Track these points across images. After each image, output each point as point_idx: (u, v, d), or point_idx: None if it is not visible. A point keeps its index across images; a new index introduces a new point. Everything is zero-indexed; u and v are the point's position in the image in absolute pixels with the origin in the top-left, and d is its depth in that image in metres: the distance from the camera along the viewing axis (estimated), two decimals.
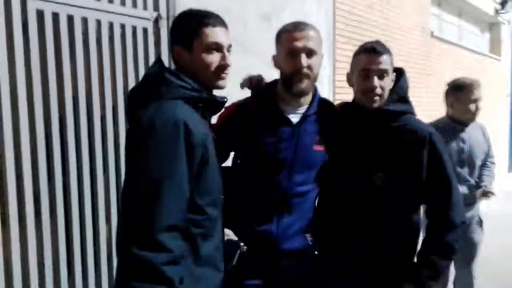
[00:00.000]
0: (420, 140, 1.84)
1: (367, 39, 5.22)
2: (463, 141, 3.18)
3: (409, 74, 6.55)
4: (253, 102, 1.89)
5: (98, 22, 2.49)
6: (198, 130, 1.44)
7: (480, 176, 3.28)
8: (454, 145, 3.17)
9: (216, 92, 1.63)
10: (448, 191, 1.86)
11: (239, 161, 1.90)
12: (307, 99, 1.86)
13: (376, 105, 1.85)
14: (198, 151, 1.43)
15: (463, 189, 3.13)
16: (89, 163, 2.47)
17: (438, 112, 6.54)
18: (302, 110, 1.85)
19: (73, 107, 2.37)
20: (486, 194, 3.23)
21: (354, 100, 1.95)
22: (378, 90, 1.83)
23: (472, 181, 3.20)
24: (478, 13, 9.25)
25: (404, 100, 1.93)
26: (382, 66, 1.83)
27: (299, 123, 1.82)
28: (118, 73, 2.60)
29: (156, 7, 2.79)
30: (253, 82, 1.94)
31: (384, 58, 1.84)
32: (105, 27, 2.53)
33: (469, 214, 3.08)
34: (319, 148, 1.84)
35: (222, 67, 1.58)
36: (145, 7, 2.74)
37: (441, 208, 1.87)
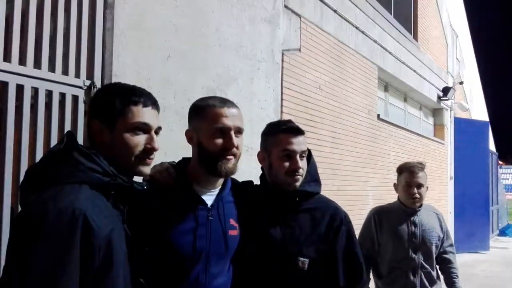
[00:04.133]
0: (338, 220, 1.83)
1: (316, 118, 5.28)
2: (415, 225, 3.05)
3: (357, 154, 6.52)
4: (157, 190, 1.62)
5: (21, 88, 2.29)
6: (102, 225, 1.20)
7: (449, 280, 3.11)
8: (404, 228, 3.04)
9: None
10: (359, 275, 1.84)
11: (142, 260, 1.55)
12: (221, 180, 1.68)
13: (298, 184, 1.79)
14: (97, 254, 1.17)
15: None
16: None
17: (384, 191, 6.60)
18: (216, 191, 1.67)
19: None
20: None
21: (264, 181, 1.88)
22: (301, 171, 1.79)
23: (429, 269, 3.00)
24: (422, 99, 9.70)
25: (317, 180, 1.91)
26: (304, 147, 1.80)
27: (212, 205, 1.63)
28: (39, 144, 2.37)
29: (90, 75, 2.62)
30: (156, 177, 1.63)
31: (303, 138, 1.83)
32: (28, 94, 2.32)
33: None
34: (233, 233, 1.66)
35: (148, 151, 1.38)
36: (77, 75, 2.57)
37: None
